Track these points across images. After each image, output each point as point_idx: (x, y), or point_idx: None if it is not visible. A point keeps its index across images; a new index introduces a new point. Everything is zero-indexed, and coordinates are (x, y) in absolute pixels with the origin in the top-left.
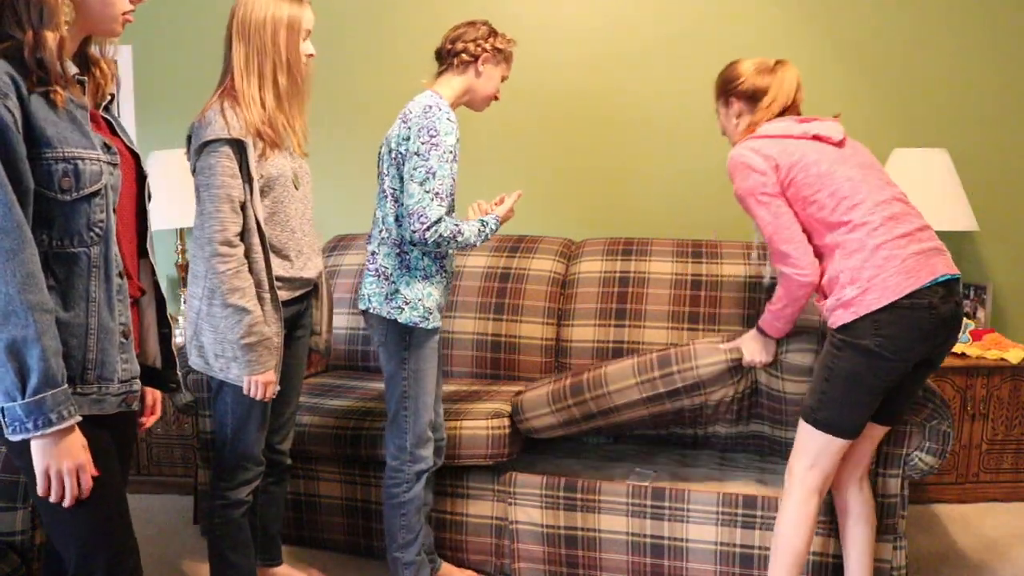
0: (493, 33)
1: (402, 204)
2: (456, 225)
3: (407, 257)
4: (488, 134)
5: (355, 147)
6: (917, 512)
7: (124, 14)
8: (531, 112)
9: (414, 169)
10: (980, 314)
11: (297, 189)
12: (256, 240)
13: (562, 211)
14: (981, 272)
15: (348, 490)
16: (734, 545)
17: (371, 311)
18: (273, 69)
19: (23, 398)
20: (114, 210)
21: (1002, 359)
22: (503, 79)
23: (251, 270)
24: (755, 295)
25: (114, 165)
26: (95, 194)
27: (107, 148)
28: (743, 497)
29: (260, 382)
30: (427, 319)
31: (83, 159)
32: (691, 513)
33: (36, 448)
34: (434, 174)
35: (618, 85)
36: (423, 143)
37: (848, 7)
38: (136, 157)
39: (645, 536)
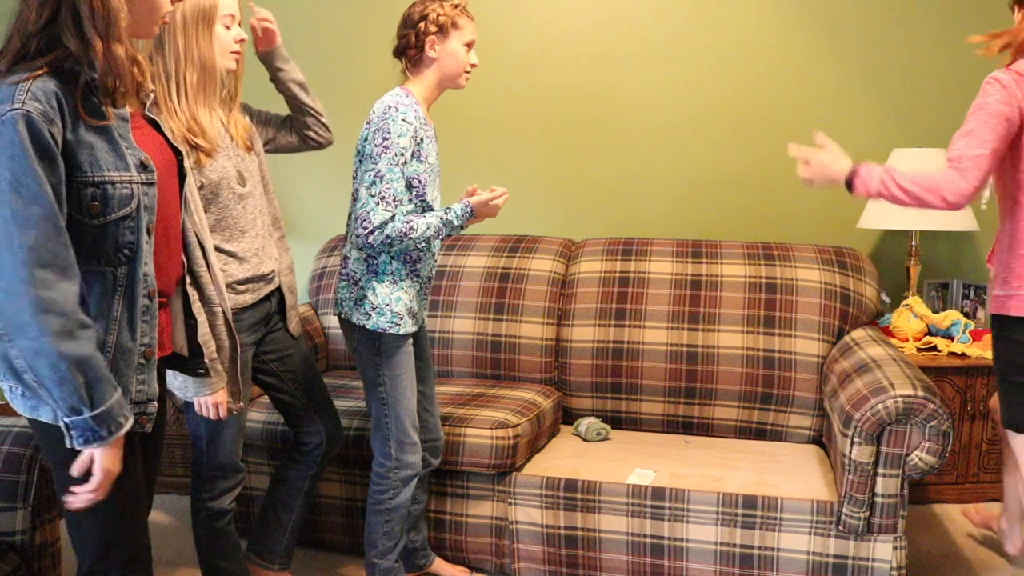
0: (434, 8)
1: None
2: (407, 223)
3: (375, 262)
4: (488, 133)
5: (354, 146)
6: (917, 512)
7: (163, 16)
8: (531, 111)
9: (365, 172)
10: (980, 314)
11: (244, 187)
12: (197, 253)
13: (562, 211)
14: (981, 272)
15: (348, 490)
16: (734, 545)
17: (343, 316)
18: (185, 68)
19: (92, 410)
20: (148, 231)
21: None
22: (470, 44)
23: (197, 285)
24: (755, 295)
25: (149, 184)
26: (124, 218)
27: (143, 167)
28: (743, 497)
29: (209, 403)
30: (397, 324)
31: (113, 183)
32: (691, 513)
33: (102, 454)
34: (382, 178)
35: (619, 84)
36: (376, 146)
37: (846, 6)
38: (179, 155)
39: (645, 536)
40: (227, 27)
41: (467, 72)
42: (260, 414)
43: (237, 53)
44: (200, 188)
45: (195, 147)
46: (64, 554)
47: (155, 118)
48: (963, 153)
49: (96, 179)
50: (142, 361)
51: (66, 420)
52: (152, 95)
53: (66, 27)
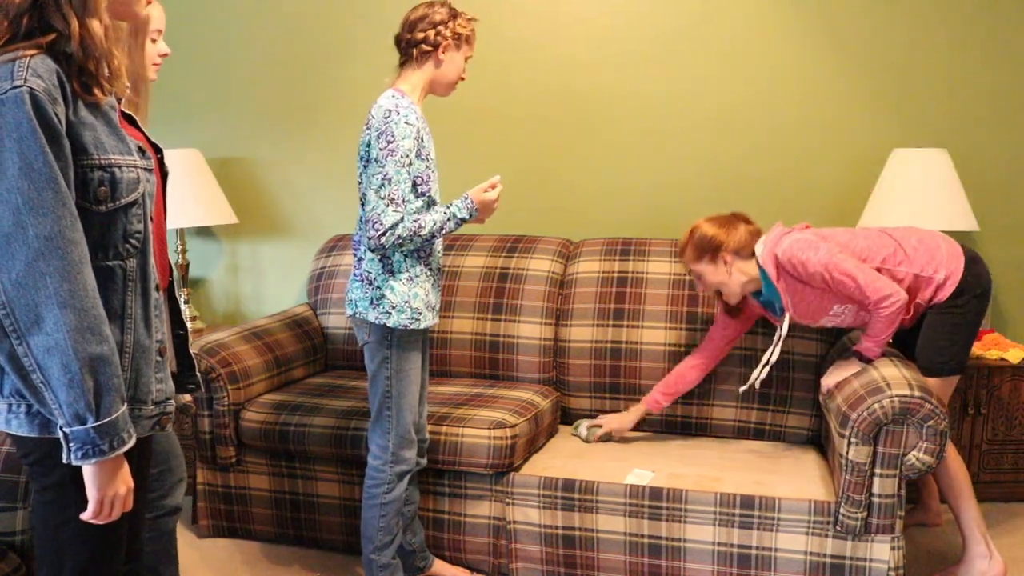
0: (453, 16)
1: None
2: (415, 222)
3: (389, 261)
4: (487, 133)
5: (353, 147)
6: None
7: None
8: (530, 111)
9: (372, 176)
10: None
11: None
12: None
13: (561, 211)
14: None
15: (348, 490)
16: (731, 545)
17: (358, 315)
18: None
19: (97, 419)
20: (151, 219)
21: (1002, 359)
22: (467, 59)
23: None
24: None
25: (149, 171)
26: (132, 204)
27: (142, 152)
28: (741, 497)
29: None
30: (417, 320)
31: (120, 167)
32: (689, 513)
33: (99, 472)
34: (390, 180)
35: (618, 84)
36: (381, 149)
37: (846, 5)
38: (159, 152)
39: (643, 536)
40: (154, 40)
41: (456, 85)
42: (259, 414)
43: (157, 65)
44: None
45: None
46: None
47: (130, 113)
48: (879, 288)
49: (103, 162)
50: (158, 359)
51: (67, 430)
52: (128, 89)
53: (51, 7)
